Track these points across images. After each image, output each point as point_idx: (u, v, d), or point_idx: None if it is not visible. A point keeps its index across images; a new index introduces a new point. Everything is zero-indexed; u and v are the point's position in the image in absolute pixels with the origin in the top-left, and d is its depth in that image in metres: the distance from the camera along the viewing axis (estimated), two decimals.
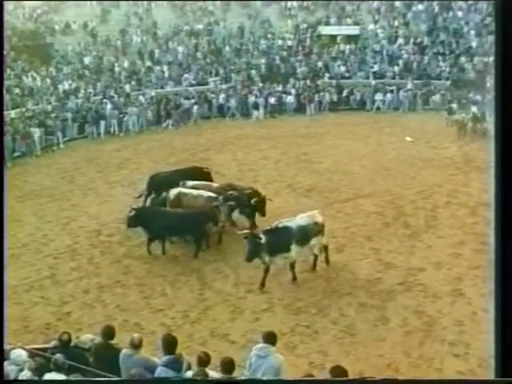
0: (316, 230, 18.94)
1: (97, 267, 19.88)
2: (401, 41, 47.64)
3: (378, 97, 41.87)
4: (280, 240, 18.08)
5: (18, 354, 10.48)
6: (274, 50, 48.73)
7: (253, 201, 21.78)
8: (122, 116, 38.06)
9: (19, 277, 19.36)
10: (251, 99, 41.55)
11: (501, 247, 6.95)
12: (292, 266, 18.46)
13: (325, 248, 19.44)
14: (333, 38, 48.97)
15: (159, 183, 23.75)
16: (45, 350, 11.04)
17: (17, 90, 39.85)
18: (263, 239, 17.81)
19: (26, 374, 9.65)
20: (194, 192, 21.84)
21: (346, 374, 9.05)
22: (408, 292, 17.73)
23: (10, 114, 36.55)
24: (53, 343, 11.35)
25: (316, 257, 19.15)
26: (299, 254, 18.69)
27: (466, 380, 9.14)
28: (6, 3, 7.61)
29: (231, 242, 21.00)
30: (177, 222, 20.67)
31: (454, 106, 37.05)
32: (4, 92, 14.69)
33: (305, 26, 50.40)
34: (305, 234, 18.58)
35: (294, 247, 18.25)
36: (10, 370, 9.60)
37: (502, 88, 7.10)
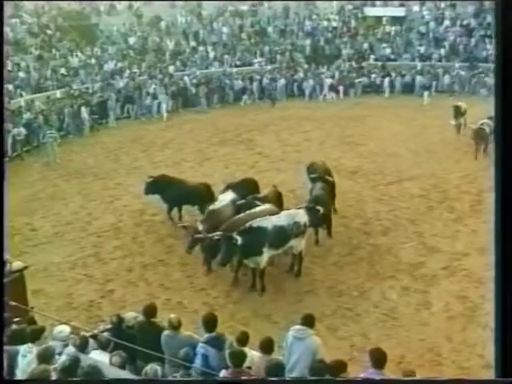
0: (296, 231, 17.36)
1: (140, 246, 20.01)
2: (447, 23, 46.89)
3: (423, 79, 41.36)
4: (252, 242, 16.40)
5: (61, 330, 10.58)
6: (319, 31, 48.38)
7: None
8: (165, 96, 38.08)
9: (63, 254, 19.61)
10: (295, 80, 41.33)
11: (501, 247, 6.88)
12: (261, 272, 16.98)
13: (299, 254, 17.92)
14: (378, 19, 48.48)
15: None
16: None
17: (62, 70, 40.12)
18: (239, 241, 16.19)
19: (70, 350, 9.72)
20: None
21: (385, 357, 9.03)
22: (451, 277, 17.59)
23: (56, 93, 36.89)
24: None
25: (296, 257, 17.89)
26: (272, 258, 17.62)
27: (466, 380, 9.05)
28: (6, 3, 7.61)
29: None
30: (192, 192, 21.29)
31: None
32: (4, 92, 14.70)
33: (350, 7, 49.99)
34: (281, 236, 17.03)
35: (266, 250, 16.73)
36: (54, 345, 9.66)
37: (502, 87, 7.01)
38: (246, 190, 20.25)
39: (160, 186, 21.41)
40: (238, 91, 40.44)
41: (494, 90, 7.19)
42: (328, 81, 41.22)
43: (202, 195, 21.25)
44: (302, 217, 17.64)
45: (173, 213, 21.63)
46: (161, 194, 21.50)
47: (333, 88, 40.93)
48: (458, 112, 31.00)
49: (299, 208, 18.18)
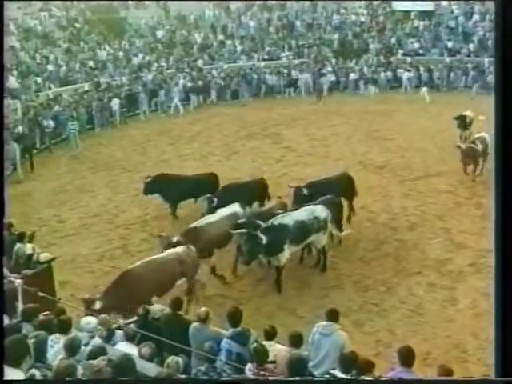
0: (317, 226, 17.30)
1: None
2: (476, 17, 46.54)
3: (452, 74, 41.09)
4: (275, 239, 16.41)
5: (88, 321, 10.65)
6: (347, 25, 48.27)
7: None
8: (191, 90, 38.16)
9: (90, 246, 19.72)
10: (324, 74, 41.22)
11: (501, 247, 6.85)
12: (279, 269, 16.89)
13: (322, 250, 17.94)
14: (406, 13, 48.25)
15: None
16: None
17: (90, 63, 40.32)
18: (264, 240, 16.19)
19: (96, 341, 9.77)
20: None
21: (414, 356, 8.98)
22: (478, 273, 17.44)
23: (84, 86, 37.08)
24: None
25: (320, 252, 17.93)
26: (293, 254, 17.45)
27: (466, 380, 8.97)
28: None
29: None
30: (194, 184, 21.39)
31: None
32: (4, 92, 14.80)
33: (378, 1, 49.75)
34: (302, 231, 17.04)
35: (287, 247, 16.72)
36: (81, 336, 9.72)
37: (502, 88, 6.96)
38: (253, 192, 20.44)
39: (159, 184, 21.44)
40: (265, 85, 40.35)
41: (494, 88, 7.15)
42: (355, 75, 41.13)
43: (205, 186, 21.22)
44: (322, 212, 17.51)
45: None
46: (161, 193, 21.54)
47: (360, 82, 40.82)
48: (463, 123, 28.22)
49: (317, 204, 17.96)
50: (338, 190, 19.46)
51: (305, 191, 19.38)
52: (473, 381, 8.79)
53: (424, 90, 38.94)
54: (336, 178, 20.64)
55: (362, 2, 50.13)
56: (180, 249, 15.25)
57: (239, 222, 17.16)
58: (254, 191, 20.78)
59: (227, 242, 17.31)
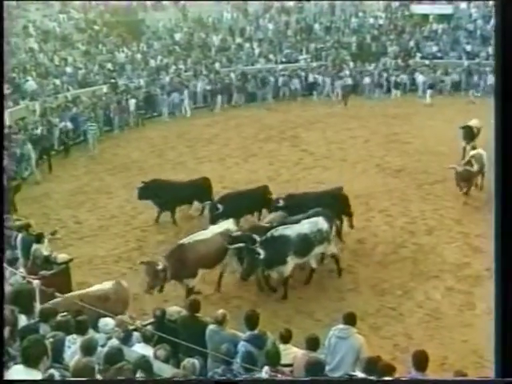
0: (320, 237, 17.04)
1: None
2: None
3: (470, 78, 40.92)
4: (276, 251, 16.11)
5: (106, 323, 10.68)
6: (365, 28, 48.21)
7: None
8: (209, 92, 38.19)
9: (108, 248, 19.81)
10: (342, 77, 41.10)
11: (501, 246, 6.83)
12: (285, 281, 16.63)
13: (334, 257, 17.80)
14: (425, 16, 48.10)
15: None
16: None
17: (109, 65, 40.45)
18: (262, 254, 15.81)
19: (113, 343, 9.80)
20: None
21: (427, 360, 8.97)
22: None
23: (103, 88, 37.18)
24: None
25: (312, 270, 17.40)
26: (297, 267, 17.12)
27: (466, 380, 8.95)
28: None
29: None
30: (186, 190, 21.44)
31: None
32: (4, 92, 14.87)
33: (397, 4, 49.65)
34: (306, 244, 16.75)
35: (290, 259, 16.43)
36: (98, 338, 9.75)
37: (502, 88, 6.93)
38: (256, 200, 20.41)
39: (152, 190, 21.37)
40: (283, 88, 40.32)
41: (494, 90, 7.13)
42: (373, 78, 41.05)
43: (197, 191, 21.44)
44: (324, 224, 17.22)
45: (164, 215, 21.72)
46: (152, 199, 21.52)
47: (378, 86, 40.74)
48: (469, 133, 26.52)
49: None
50: (327, 207, 18.36)
51: (281, 202, 19.20)
52: (473, 381, 8.79)
53: (429, 92, 38.72)
54: (325, 194, 20.06)
55: (381, 5, 50.02)
56: (108, 285, 13.98)
57: (234, 235, 16.66)
58: (255, 200, 20.59)
59: (218, 262, 16.72)
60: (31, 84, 35.73)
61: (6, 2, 7.94)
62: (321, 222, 17.14)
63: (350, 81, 40.84)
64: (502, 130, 6.86)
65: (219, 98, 38.30)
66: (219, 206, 19.41)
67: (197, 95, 38.33)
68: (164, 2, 49.30)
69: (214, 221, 19.03)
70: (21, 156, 25.76)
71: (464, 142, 26.47)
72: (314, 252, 17.10)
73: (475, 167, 22.49)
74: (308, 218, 17.26)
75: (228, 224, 17.46)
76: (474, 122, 26.79)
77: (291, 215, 17.94)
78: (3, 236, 8.81)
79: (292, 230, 16.64)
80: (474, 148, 25.16)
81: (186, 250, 16.14)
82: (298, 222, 17.10)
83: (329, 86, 40.72)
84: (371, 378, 8.81)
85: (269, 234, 16.21)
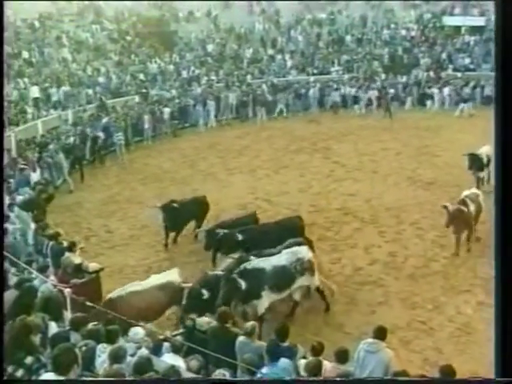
0: (300, 267, 15.75)
1: None
2: None
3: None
4: (250, 285, 14.80)
5: (136, 332, 10.68)
6: (397, 40, 48.07)
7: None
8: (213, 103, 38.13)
9: (138, 257, 19.81)
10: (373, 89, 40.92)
11: (501, 247, 6.76)
12: (259, 319, 14.45)
13: (318, 290, 16.39)
14: (457, 28, 47.81)
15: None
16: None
17: (141, 76, 40.70)
18: (243, 285, 14.66)
19: (143, 352, 9.79)
20: None
21: (454, 374, 8.92)
22: None
23: (135, 98, 37.41)
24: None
25: (295, 304, 16.12)
26: (275, 301, 15.66)
27: (466, 380, 8.86)
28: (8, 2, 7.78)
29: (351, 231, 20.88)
30: (184, 209, 20.68)
31: None
32: (4, 92, 14.89)
33: (429, 16, 49.49)
34: (284, 276, 15.51)
35: (265, 294, 15.12)
36: (127, 346, 9.75)
37: (503, 89, 6.86)
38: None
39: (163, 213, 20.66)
40: (315, 100, 40.26)
41: (495, 91, 7.08)
42: (404, 91, 40.90)
43: (194, 209, 20.95)
44: (306, 253, 16.07)
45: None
46: (164, 223, 20.86)
47: (409, 98, 40.57)
48: (477, 163, 24.29)
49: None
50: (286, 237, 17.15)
51: (239, 237, 17.80)
52: (473, 381, 8.72)
53: (462, 105, 38.40)
54: (283, 223, 18.93)
55: (413, 17, 49.89)
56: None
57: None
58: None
59: (158, 316, 14.74)
60: (63, 93, 36.10)
61: (6, 2, 8.01)
62: (301, 251, 16.01)
63: (389, 92, 40.49)
64: (502, 129, 6.82)
65: (263, 110, 38.36)
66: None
67: (228, 106, 38.32)
68: (196, 14, 49.49)
69: (207, 248, 18.55)
70: (53, 165, 25.95)
71: (471, 171, 24.34)
72: (297, 285, 15.83)
73: (471, 208, 19.90)
74: (288, 247, 16.22)
75: (172, 275, 15.42)
76: (484, 150, 24.12)
77: (252, 250, 16.62)
78: (3, 236, 8.89)
79: (267, 263, 15.42)
80: (480, 181, 24.07)
81: (116, 304, 13.80)
82: (274, 253, 15.97)
83: (362, 98, 40.49)
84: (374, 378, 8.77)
85: (242, 267, 14.91)
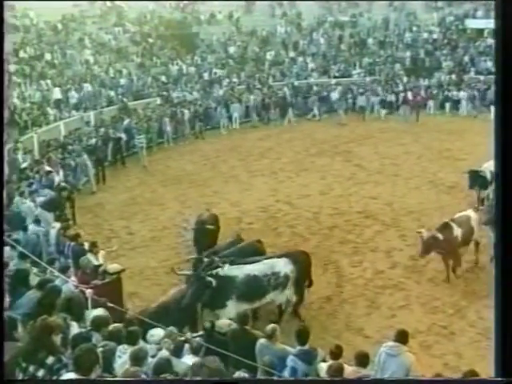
0: (274, 282, 15.06)
1: None
2: None
3: None
4: (219, 292, 14.22)
5: (155, 333, 10.70)
6: (419, 42, 47.88)
7: None
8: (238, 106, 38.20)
9: (159, 259, 19.86)
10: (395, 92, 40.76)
11: (501, 246, 6.73)
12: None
13: (279, 309, 15.64)
14: (480, 31, 47.48)
15: None
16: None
17: (163, 78, 40.80)
18: (214, 283, 14.05)
19: (164, 354, 9.79)
20: None
21: None
22: None
23: (156, 100, 37.53)
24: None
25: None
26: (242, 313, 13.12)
27: (466, 380, 8.82)
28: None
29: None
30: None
31: None
32: (4, 91, 14.97)
33: (451, 18, 49.25)
34: (256, 287, 14.85)
35: (231, 304, 14.42)
36: (148, 348, 9.75)
37: (503, 89, 6.81)
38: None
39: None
40: (335, 102, 40.16)
41: (495, 91, 7.05)
42: (426, 93, 40.71)
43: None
44: (284, 266, 15.26)
45: None
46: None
47: (431, 101, 40.37)
48: (478, 180, 22.60)
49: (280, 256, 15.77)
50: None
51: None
52: (473, 381, 8.68)
53: (493, 109, 38.08)
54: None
55: (435, 20, 49.68)
56: None
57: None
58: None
59: None
60: (85, 95, 36.34)
61: (6, 2, 8.04)
62: (279, 265, 15.24)
63: (420, 94, 40.31)
64: (502, 129, 6.80)
65: (290, 110, 38.48)
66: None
67: (249, 109, 38.35)
68: (218, 16, 49.56)
69: None
70: (76, 166, 26.07)
71: (474, 190, 22.90)
72: (268, 298, 15.23)
73: (456, 233, 17.78)
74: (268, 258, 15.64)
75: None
76: (488, 165, 22.01)
77: None
78: (3, 236, 8.93)
79: (240, 271, 14.71)
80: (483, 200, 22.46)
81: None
82: (256, 261, 15.32)
83: (384, 101, 40.34)
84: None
85: (214, 272, 14.19)
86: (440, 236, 17.18)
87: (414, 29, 49.10)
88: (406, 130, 34.85)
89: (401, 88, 41.23)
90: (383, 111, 39.49)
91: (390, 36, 48.84)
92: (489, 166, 21.54)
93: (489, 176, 21.94)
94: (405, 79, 43.04)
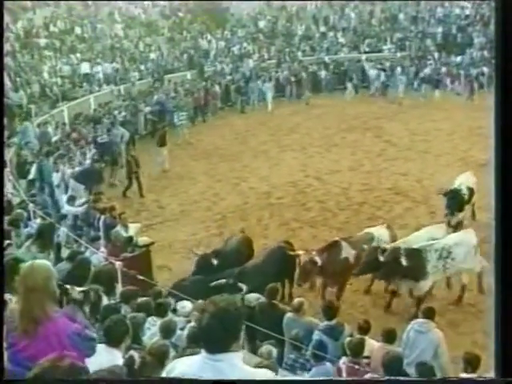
0: None
1: (265, 228, 20.10)
2: None
3: None
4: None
5: (183, 305, 10.77)
6: (451, 18, 47.32)
7: None
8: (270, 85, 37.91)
9: (188, 232, 19.95)
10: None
11: (501, 246, 6.68)
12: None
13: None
14: None
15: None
16: None
17: (192, 52, 40.77)
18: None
19: (193, 326, 9.85)
20: None
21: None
22: None
23: (186, 75, 37.52)
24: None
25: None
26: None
27: (466, 380, 8.78)
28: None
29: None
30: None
31: None
32: (4, 90, 14.93)
33: None
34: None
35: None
36: (178, 321, 9.82)
37: (502, 89, 6.74)
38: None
39: None
40: (366, 78, 39.92)
41: (495, 91, 6.98)
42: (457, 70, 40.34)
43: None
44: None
45: None
46: None
47: (463, 78, 39.98)
48: (454, 201, 18.91)
49: None
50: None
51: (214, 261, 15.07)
52: (473, 381, 8.67)
53: None
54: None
55: None
56: None
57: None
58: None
59: None
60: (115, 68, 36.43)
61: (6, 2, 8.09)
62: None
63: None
64: (503, 129, 6.75)
65: (297, 87, 38.17)
66: None
67: (280, 84, 38.22)
68: None
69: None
70: (111, 139, 26.10)
71: (447, 211, 18.99)
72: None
73: (344, 255, 15.23)
74: None
75: None
76: (463, 180, 19.39)
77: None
78: (3, 235, 8.99)
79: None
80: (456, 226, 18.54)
81: None
82: None
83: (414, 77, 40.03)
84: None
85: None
86: (318, 260, 14.39)
87: (446, 4, 48.50)
88: (437, 107, 34.50)
89: (432, 64, 40.88)
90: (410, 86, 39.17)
91: (422, 11, 48.31)
92: (463, 181, 19.22)
93: (465, 192, 19.09)
94: (436, 55, 42.62)
